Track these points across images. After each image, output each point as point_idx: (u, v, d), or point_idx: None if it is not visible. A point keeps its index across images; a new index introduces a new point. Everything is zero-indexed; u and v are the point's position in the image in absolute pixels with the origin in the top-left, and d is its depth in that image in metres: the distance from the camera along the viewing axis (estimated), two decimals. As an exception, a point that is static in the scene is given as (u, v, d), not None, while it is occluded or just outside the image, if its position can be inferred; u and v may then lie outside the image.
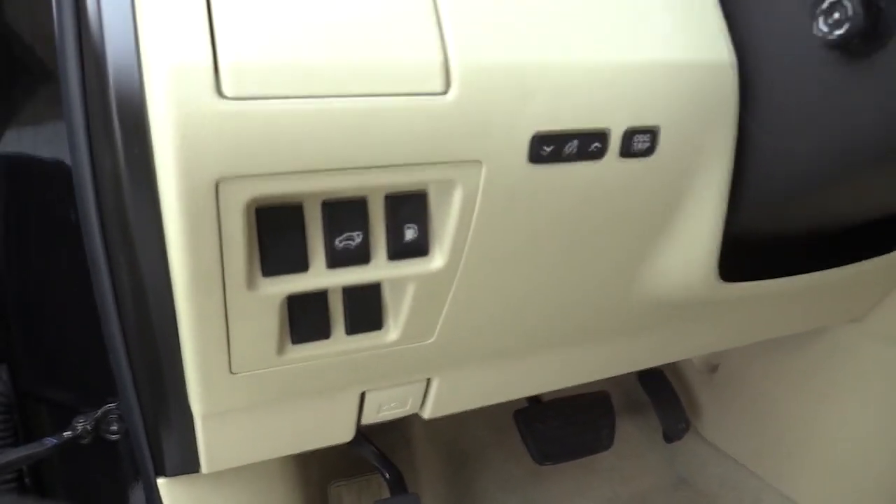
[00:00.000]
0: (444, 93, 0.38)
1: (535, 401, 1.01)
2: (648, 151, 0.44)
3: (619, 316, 0.59)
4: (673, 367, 1.20)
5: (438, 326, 0.51)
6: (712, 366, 1.12)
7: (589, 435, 0.99)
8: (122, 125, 0.37)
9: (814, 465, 0.98)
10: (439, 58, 0.37)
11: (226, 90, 0.34)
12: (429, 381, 0.61)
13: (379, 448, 0.81)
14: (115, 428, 0.67)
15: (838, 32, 0.38)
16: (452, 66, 0.38)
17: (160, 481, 0.58)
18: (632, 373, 1.15)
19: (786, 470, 1.02)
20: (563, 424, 0.98)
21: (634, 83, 0.42)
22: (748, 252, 0.57)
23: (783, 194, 0.49)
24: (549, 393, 0.92)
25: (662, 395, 1.10)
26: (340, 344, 0.50)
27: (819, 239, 0.63)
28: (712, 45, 0.44)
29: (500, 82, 0.39)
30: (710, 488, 1.12)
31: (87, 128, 0.41)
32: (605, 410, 1.01)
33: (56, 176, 0.56)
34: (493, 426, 1.12)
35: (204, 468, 0.57)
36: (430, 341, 0.52)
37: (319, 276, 0.43)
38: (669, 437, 1.09)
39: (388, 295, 0.49)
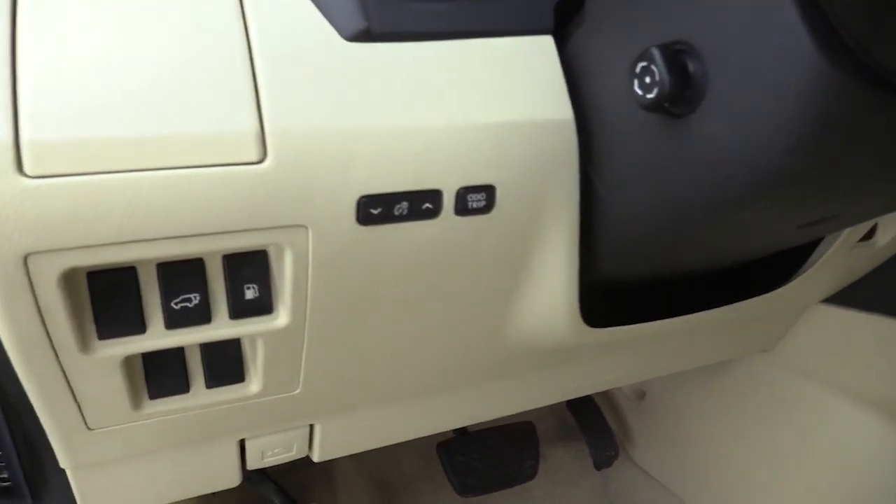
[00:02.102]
0: (260, 161, 0.38)
1: (460, 432, 1.01)
2: (486, 209, 0.45)
3: (496, 361, 0.59)
4: (603, 393, 1.21)
5: (301, 378, 0.51)
6: (640, 392, 1.13)
7: (512, 466, 0.99)
8: None
9: (734, 491, 0.99)
10: (253, 127, 0.38)
11: (27, 168, 0.34)
12: (312, 426, 0.61)
13: (279, 485, 0.81)
14: (5, 476, 0.66)
15: (649, 96, 0.39)
16: (268, 134, 0.38)
17: None
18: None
19: (707, 496, 1.03)
20: (485, 456, 0.98)
21: (464, 143, 0.43)
22: (613, 298, 0.58)
23: (633, 245, 0.49)
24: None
25: (592, 423, 1.11)
26: (201, 397, 0.50)
27: (690, 283, 0.63)
28: (549, 103, 0.45)
29: (319, 148, 0.39)
30: (642, 514, 1.12)
31: None
32: (530, 441, 1.01)
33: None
34: (423, 456, 1.12)
35: None
36: (296, 392, 0.53)
37: (158, 338, 0.44)
38: (598, 465, 1.10)
39: (247, 348, 0.49)
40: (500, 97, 0.44)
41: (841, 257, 0.69)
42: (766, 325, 0.83)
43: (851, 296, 0.79)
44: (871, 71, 0.33)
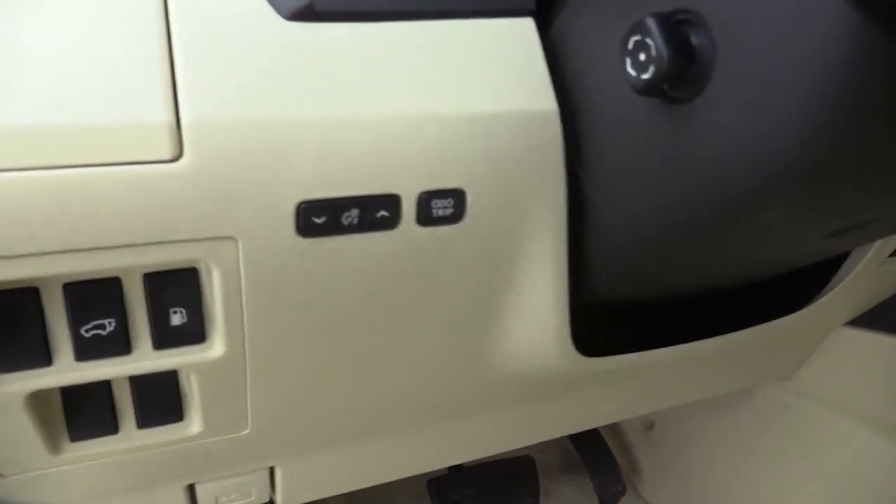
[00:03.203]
0: (175, 160, 0.32)
1: (453, 467, 0.93)
2: (455, 217, 0.38)
3: (479, 393, 0.52)
4: (610, 423, 1.13)
5: (249, 416, 0.44)
6: (648, 423, 1.06)
7: (510, 503, 0.91)
8: None
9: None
10: (166, 118, 0.31)
11: None
12: (272, 468, 0.54)
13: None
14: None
15: (645, 76, 0.32)
16: (185, 127, 0.32)
17: None
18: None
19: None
20: (481, 493, 0.91)
21: (427, 139, 0.36)
22: (611, 321, 0.51)
23: (632, 258, 0.42)
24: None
25: (596, 456, 1.03)
26: (133, 440, 0.43)
27: (698, 304, 0.56)
28: (528, 92, 0.38)
29: (248, 144, 0.33)
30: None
31: None
32: (529, 476, 0.93)
33: None
34: (416, 494, 1.04)
35: None
36: (245, 432, 0.46)
37: (67, 371, 0.37)
38: (604, 501, 1.02)
39: (185, 381, 0.43)
40: (469, 85, 0.37)
41: (869, 275, 0.62)
42: (786, 351, 0.75)
43: (880, 318, 0.72)
44: None
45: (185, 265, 0.36)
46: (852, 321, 0.74)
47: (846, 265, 0.60)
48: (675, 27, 0.31)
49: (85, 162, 0.31)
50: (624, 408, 0.69)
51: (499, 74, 0.38)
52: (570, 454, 1.14)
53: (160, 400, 0.42)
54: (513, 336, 0.46)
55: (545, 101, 0.39)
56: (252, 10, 0.35)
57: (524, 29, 0.40)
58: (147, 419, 0.43)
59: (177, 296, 0.37)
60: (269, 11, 0.35)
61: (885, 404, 0.74)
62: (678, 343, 0.54)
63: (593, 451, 1.03)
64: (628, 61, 0.33)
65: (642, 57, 0.32)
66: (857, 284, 0.62)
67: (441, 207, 0.37)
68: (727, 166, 0.33)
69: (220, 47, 0.33)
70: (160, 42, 0.32)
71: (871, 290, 0.66)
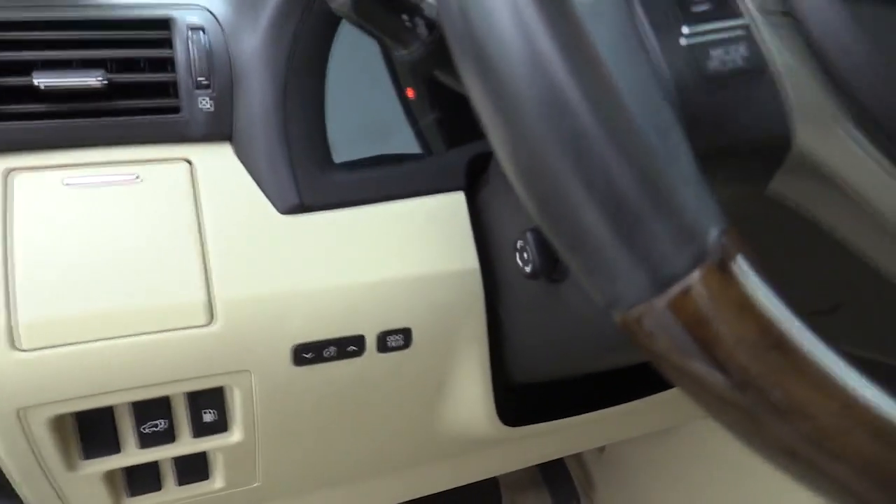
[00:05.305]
0: (209, 324, 0.47)
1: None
2: (405, 346, 0.54)
3: (434, 451, 0.68)
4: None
5: (259, 475, 0.60)
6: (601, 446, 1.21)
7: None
8: None
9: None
10: (203, 297, 0.47)
11: (21, 344, 0.44)
12: (274, 507, 0.70)
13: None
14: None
15: (527, 270, 0.47)
16: (216, 302, 0.47)
17: None
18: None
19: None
20: (450, 509, 1.06)
21: (383, 295, 0.51)
22: (529, 401, 0.66)
23: (538, 368, 0.58)
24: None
25: (555, 472, 1.19)
26: (172, 493, 0.59)
27: (607, 380, 0.71)
28: (457, 255, 0.54)
29: (259, 311, 0.48)
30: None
31: None
32: (493, 499, 1.09)
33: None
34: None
35: None
36: (256, 484, 0.62)
37: (132, 456, 0.53)
38: (561, 514, 1.18)
39: (212, 455, 0.58)
40: (414, 252, 0.53)
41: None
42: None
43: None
44: None
45: (214, 386, 0.52)
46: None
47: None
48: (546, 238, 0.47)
49: (146, 331, 0.46)
50: (560, 449, 0.85)
51: (435, 241, 0.54)
52: (533, 469, 1.30)
53: (193, 465, 0.58)
54: (452, 416, 0.62)
55: (469, 261, 0.54)
56: (258, 209, 0.50)
57: (456, 202, 0.55)
58: (183, 480, 0.58)
59: (208, 403, 0.53)
60: (270, 209, 0.50)
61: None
62: (596, 408, 0.70)
63: (551, 469, 1.19)
64: (517, 256, 0.48)
65: (525, 256, 0.47)
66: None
67: (394, 340, 0.53)
68: (585, 328, 0.48)
69: (236, 243, 0.49)
70: (196, 245, 0.48)
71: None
